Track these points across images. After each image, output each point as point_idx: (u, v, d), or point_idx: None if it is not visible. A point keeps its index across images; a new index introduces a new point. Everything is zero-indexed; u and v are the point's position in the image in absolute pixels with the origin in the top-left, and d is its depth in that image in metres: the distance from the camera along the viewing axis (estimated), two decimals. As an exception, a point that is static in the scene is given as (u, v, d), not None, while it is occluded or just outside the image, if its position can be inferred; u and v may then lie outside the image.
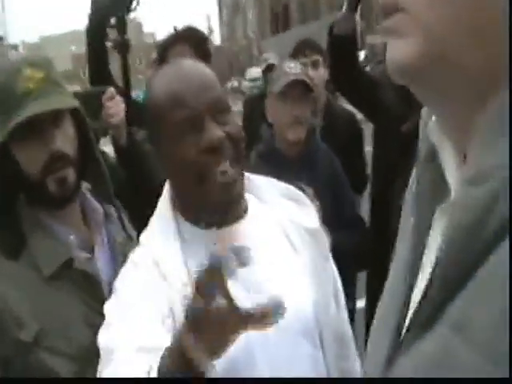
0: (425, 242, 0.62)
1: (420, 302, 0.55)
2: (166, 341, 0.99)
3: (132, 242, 1.59)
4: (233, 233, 1.21)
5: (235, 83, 24.25)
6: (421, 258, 0.62)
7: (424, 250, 0.62)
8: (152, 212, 1.27)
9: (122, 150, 2.11)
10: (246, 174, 1.28)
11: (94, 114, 1.85)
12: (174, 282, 1.13)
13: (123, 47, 2.35)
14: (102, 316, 1.36)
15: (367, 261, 2.42)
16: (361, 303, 2.86)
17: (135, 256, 1.22)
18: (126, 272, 1.21)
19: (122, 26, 2.36)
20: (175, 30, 2.67)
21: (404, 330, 0.59)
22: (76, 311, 1.39)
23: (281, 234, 1.28)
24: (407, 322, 0.59)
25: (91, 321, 1.37)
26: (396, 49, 0.54)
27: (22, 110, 1.34)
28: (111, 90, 2.04)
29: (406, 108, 2.02)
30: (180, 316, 1.06)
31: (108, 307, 1.17)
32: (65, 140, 1.42)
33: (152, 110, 1.19)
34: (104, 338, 1.10)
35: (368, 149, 2.75)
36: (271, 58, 4.99)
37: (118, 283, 1.20)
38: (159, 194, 1.28)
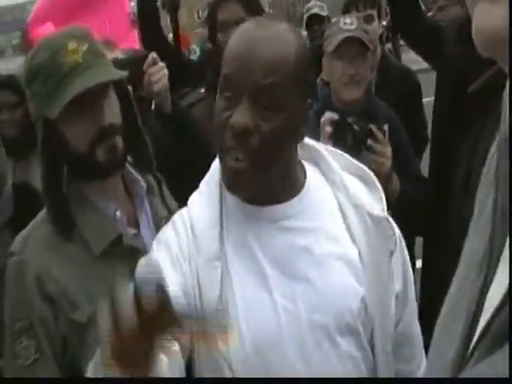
0: (506, 231, 0.53)
1: (498, 309, 0.48)
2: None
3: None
4: (278, 212, 1.13)
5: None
6: (501, 251, 0.54)
7: (505, 240, 0.53)
8: (199, 182, 1.23)
9: (166, 117, 2.06)
10: (309, 142, 1.21)
11: (135, 81, 1.82)
12: (205, 253, 1.10)
13: (173, 4, 2.31)
14: None
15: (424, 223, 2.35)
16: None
17: (176, 217, 1.20)
18: (163, 233, 1.19)
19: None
20: None
21: (476, 337, 0.53)
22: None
23: (338, 217, 1.16)
24: (480, 327, 0.52)
25: None
26: (488, 15, 0.47)
27: (71, 84, 1.32)
28: (153, 55, 1.99)
29: (474, 64, 1.91)
30: (203, 286, 1.08)
31: (140, 268, 1.15)
32: (112, 111, 1.40)
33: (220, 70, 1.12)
34: None
35: (428, 99, 2.58)
36: (315, 7, 4.68)
37: (155, 243, 1.19)
38: (206, 164, 1.23)
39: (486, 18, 0.47)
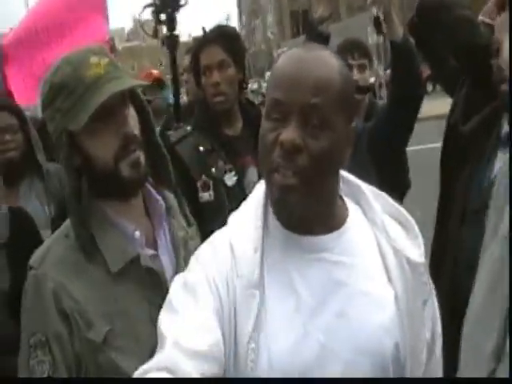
0: None
1: None
2: (217, 347, 1.02)
3: (193, 235, 1.59)
4: (321, 244, 1.13)
5: (255, 85, 24.26)
6: None
7: None
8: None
9: None
10: (353, 179, 1.22)
11: None
12: (245, 279, 1.09)
13: (172, 43, 2.37)
14: None
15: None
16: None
17: (216, 236, 1.19)
18: (201, 251, 1.18)
19: (171, 22, 2.38)
20: (204, 30, 2.63)
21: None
22: (142, 310, 1.37)
23: (377, 259, 1.14)
24: None
25: (157, 319, 1.36)
26: None
27: (95, 94, 1.32)
28: None
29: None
30: (239, 313, 1.07)
31: (177, 287, 1.13)
32: (132, 122, 1.40)
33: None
34: (165, 323, 1.07)
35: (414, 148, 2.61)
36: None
37: (192, 261, 1.17)
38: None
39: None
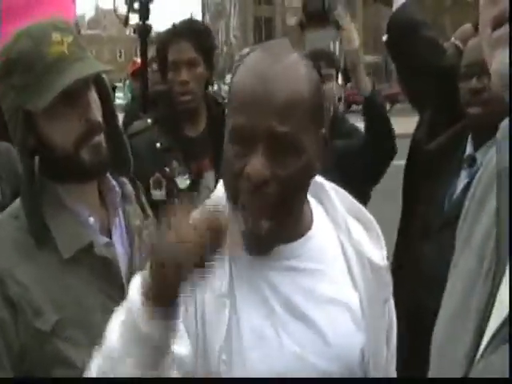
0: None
1: None
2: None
3: (149, 224, 1.53)
4: (287, 251, 1.09)
5: (215, 87, 24.42)
6: (507, 258, 0.62)
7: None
8: None
9: None
10: (317, 178, 1.16)
11: None
12: (214, 289, 1.05)
13: (144, 32, 2.31)
14: (120, 304, 1.31)
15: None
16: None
17: None
18: None
19: (145, 11, 2.32)
20: (174, 25, 2.50)
21: (492, 331, 0.60)
22: (94, 300, 1.31)
23: (342, 263, 1.13)
24: (495, 324, 0.60)
25: (109, 309, 1.31)
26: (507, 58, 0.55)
27: (60, 75, 1.25)
28: None
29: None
30: (209, 324, 1.05)
31: (135, 291, 1.03)
32: (95, 107, 1.34)
33: (228, 98, 1.07)
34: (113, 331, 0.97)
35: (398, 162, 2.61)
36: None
37: None
38: None
39: (506, 62, 0.55)
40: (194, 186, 2.32)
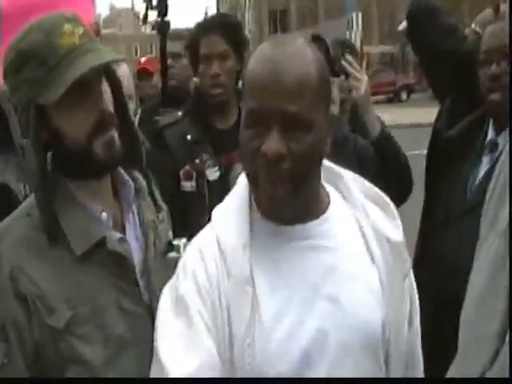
0: None
1: None
2: (208, 364, 1.04)
3: (163, 218, 1.52)
4: (306, 231, 1.14)
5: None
6: None
7: None
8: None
9: None
10: (332, 165, 1.24)
11: None
12: (235, 278, 1.10)
13: (163, 29, 2.31)
14: (134, 300, 1.32)
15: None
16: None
17: (201, 238, 1.18)
18: (187, 259, 1.16)
19: (163, 8, 2.32)
20: (205, 19, 2.53)
21: None
22: (108, 296, 1.29)
23: (360, 241, 1.18)
24: None
25: (123, 306, 1.30)
26: None
27: (71, 66, 1.23)
28: None
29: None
30: (233, 312, 1.08)
31: (167, 302, 1.13)
32: (107, 98, 1.31)
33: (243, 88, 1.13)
34: (160, 344, 1.09)
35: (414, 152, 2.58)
36: None
37: (180, 269, 1.16)
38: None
39: None
40: (224, 177, 2.31)
